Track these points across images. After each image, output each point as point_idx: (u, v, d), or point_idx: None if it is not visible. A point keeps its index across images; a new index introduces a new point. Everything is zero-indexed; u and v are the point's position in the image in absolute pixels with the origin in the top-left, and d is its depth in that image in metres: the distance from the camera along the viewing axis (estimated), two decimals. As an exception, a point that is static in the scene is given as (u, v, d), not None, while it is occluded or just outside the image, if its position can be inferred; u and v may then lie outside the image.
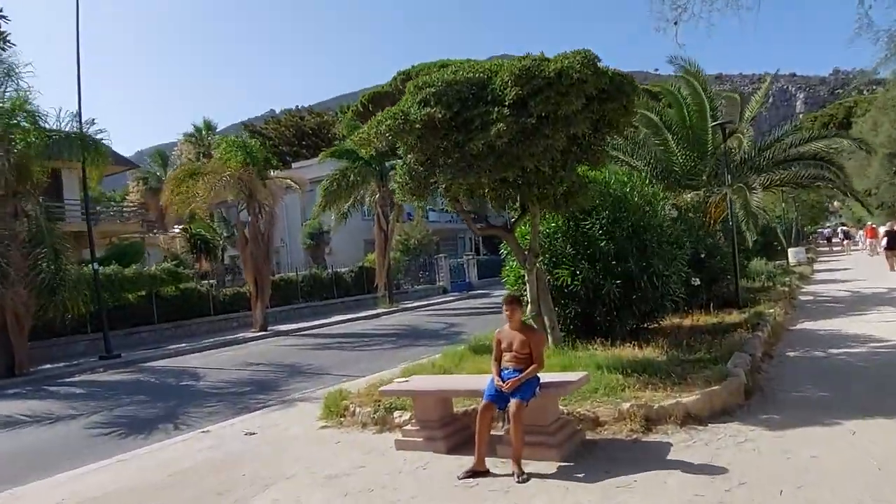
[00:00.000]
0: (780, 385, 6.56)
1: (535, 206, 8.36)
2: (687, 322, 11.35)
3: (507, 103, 6.94)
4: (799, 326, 10.79)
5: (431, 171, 7.46)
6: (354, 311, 26.38)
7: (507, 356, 4.97)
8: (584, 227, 9.40)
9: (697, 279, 12.56)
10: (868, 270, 23.05)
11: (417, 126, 6.88)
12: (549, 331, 8.78)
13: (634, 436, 5.20)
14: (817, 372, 7.09)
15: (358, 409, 7.08)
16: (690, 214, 13.43)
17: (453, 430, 5.63)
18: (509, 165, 6.98)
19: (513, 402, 4.64)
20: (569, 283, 9.14)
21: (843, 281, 19.33)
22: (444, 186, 7.29)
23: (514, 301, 5.01)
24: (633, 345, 8.82)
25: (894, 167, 37.54)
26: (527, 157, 6.94)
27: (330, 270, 29.94)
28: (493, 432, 5.00)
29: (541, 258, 9.53)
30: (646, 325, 10.40)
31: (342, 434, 6.79)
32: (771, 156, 14.14)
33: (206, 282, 24.13)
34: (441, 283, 34.47)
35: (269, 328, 20.86)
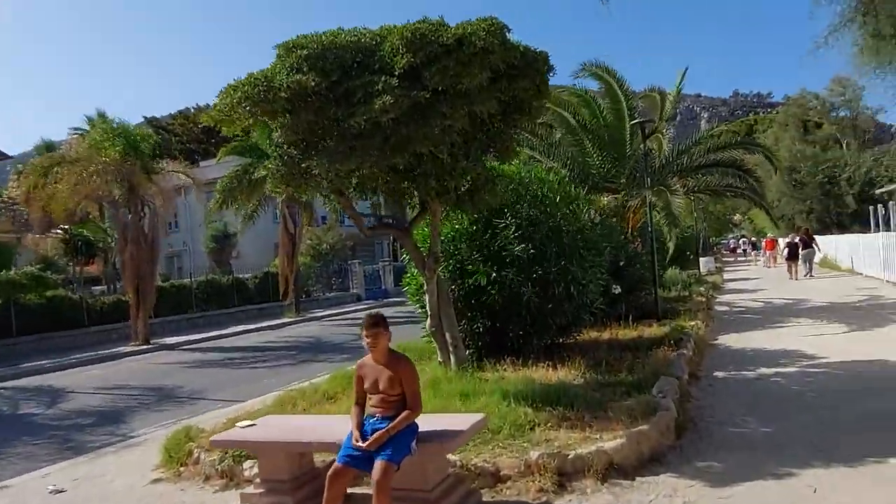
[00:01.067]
0: (713, 416, 5.57)
1: (435, 201, 7.11)
2: (606, 336, 10.47)
3: (396, 73, 5.64)
4: (721, 341, 10.10)
5: (308, 155, 6.02)
6: (257, 320, 24.32)
7: (372, 399, 3.61)
8: (496, 228, 8.24)
9: (618, 288, 11.76)
10: (772, 280, 23.48)
11: (283, 95, 5.44)
12: (451, 349, 7.55)
13: (544, 497, 3.97)
14: (751, 398, 6.19)
15: (203, 456, 5.52)
16: (613, 219, 12.67)
17: (311, 492, 4.21)
18: (399, 149, 5.67)
19: (378, 465, 3.30)
20: (483, 290, 7.96)
21: (753, 291, 19.36)
22: (320, 174, 5.86)
23: (378, 323, 3.64)
24: (548, 364, 7.80)
25: (794, 181, 39.38)
26: (420, 139, 5.65)
27: (231, 276, 27.61)
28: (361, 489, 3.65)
29: (445, 264, 8.32)
30: (562, 341, 9.40)
31: (177, 490, 5.22)
32: (689, 160, 13.63)
33: (99, 288, 21.33)
34: (355, 291, 32.80)
35: (152, 341, 18.57)
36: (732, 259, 49.66)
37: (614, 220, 12.49)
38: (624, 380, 6.74)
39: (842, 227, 37.32)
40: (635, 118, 12.35)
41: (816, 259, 28.69)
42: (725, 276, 28.56)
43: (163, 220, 19.01)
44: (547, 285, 8.21)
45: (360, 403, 3.67)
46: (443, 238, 8.64)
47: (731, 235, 66.69)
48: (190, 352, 16.98)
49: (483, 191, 7.24)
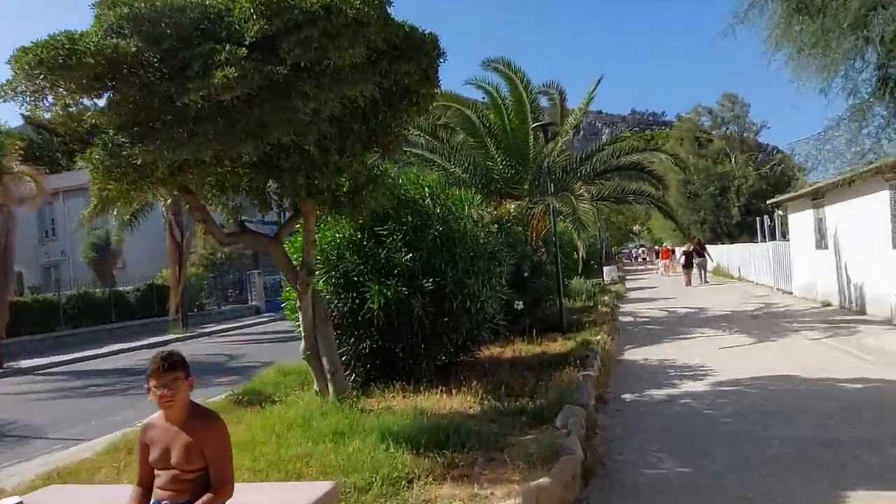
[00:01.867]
0: (623, 453, 4.84)
1: (307, 203, 6.05)
2: (508, 353, 9.77)
3: (247, 42, 4.55)
4: (628, 355, 9.62)
5: (136, 142, 4.77)
6: (138, 337, 21.89)
7: (160, 477, 2.50)
8: (380, 236, 7.28)
9: (521, 303, 11.10)
10: (672, 289, 23.99)
11: (90, 61, 4.20)
12: (329, 377, 6.48)
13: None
14: (664, 427, 5.55)
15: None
16: (518, 228, 12.02)
17: None
18: (251, 136, 4.56)
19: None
20: (369, 307, 6.95)
21: (655, 299, 19.51)
22: (153, 164, 4.65)
23: (175, 366, 2.54)
24: (443, 389, 6.93)
25: (688, 193, 41.15)
26: (278, 125, 4.59)
27: (108, 289, 24.92)
28: None
29: (328, 275, 7.29)
30: (460, 359, 8.56)
31: None
32: (595, 165, 13.31)
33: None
34: (254, 303, 30.69)
35: (5, 365, 16.06)
36: (633, 268, 51.45)
37: (518, 228, 11.86)
38: (525, 407, 5.97)
39: (731, 237, 39.34)
40: (539, 120, 11.82)
41: (710, 267, 29.96)
42: (628, 284, 29.08)
43: (13, 224, 16.49)
44: (441, 299, 7.35)
45: (145, 484, 2.55)
46: (326, 246, 7.60)
47: (631, 245, 69.36)
48: (46, 377, 14.73)
49: (364, 192, 6.26)
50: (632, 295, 22.59)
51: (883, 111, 5.03)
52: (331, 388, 6.51)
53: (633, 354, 9.62)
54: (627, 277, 35.49)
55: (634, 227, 73.18)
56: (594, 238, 32.95)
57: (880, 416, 5.33)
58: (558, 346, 10.11)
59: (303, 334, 6.64)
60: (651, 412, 6.10)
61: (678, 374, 7.79)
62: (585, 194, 10.72)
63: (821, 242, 14.13)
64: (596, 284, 22.92)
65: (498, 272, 8.40)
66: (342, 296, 7.39)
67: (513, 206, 11.90)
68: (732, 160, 42.42)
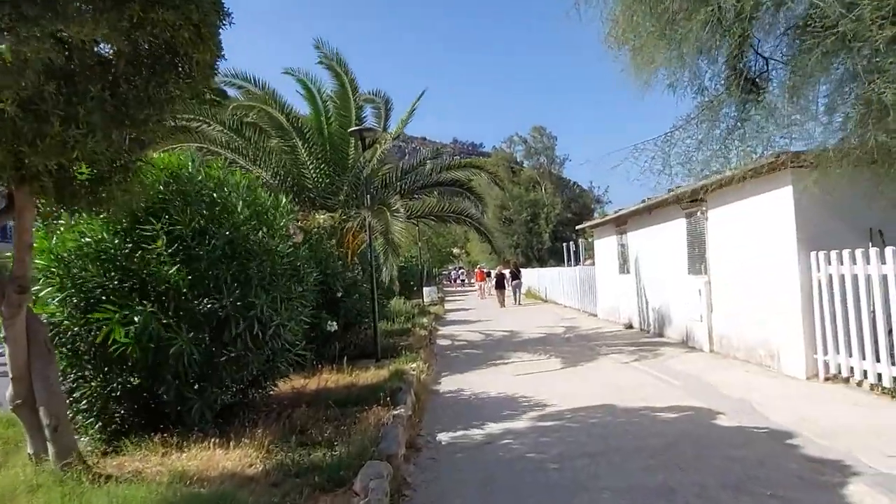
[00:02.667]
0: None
1: (21, 191, 4.30)
2: (313, 385, 8.47)
3: None
4: (445, 385, 8.78)
5: None
6: None
7: None
8: (141, 241, 5.64)
9: (334, 324, 9.84)
10: (488, 311, 24.30)
11: None
12: (48, 433, 4.69)
13: None
14: (485, 479, 4.64)
15: None
16: (330, 242, 10.75)
17: None
18: None
19: None
20: (117, 338, 5.27)
21: (473, 322, 19.35)
22: None
23: None
24: (221, 440, 5.47)
25: (504, 218, 43.05)
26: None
27: None
28: None
29: (66, 293, 5.48)
30: (250, 398, 7.05)
31: None
32: (416, 179, 12.56)
33: None
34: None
35: None
36: (453, 289, 52.54)
37: (330, 242, 10.62)
38: (321, 462, 4.74)
39: (541, 261, 41.81)
40: (363, 124, 10.77)
41: (523, 290, 31.25)
42: (448, 305, 29.08)
43: None
44: (222, 326, 5.85)
45: None
46: (66, 254, 5.74)
47: (451, 266, 71.31)
48: None
49: (116, 181, 4.64)
50: (451, 316, 22.36)
51: (732, 111, 4.81)
52: (51, 450, 4.71)
53: (451, 383, 8.81)
54: (447, 298, 35.76)
55: (454, 250, 75.67)
56: (414, 258, 32.75)
57: (701, 453, 4.97)
58: (371, 375, 9.04)
59: (10, 375, 4.75)
60: (470, 459, 5.19)
61: (497, 405, 7.08)
62: (402, 210, 9.81)
63: (623, 267, 14.84)
64: (416, 305, 22.39)
65: (300, 292, 7.08)
66: (83, 323, 5.58)
67: (324, 218, 10.63)
68: (543, 189, 45.45)
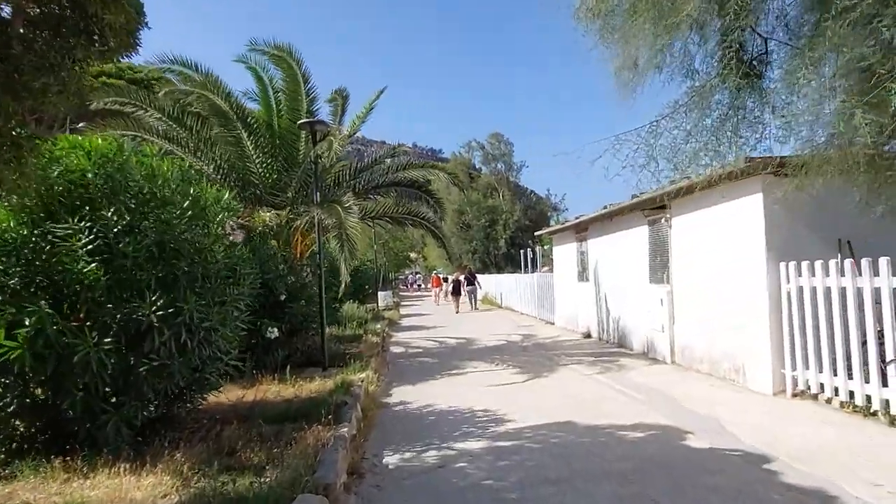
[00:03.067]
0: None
1: None
2: (251, 397, 7.77)
3: None
4: (396, 396, 8.17)
5: None
6: None
7: None
8: (55, 233, 4.90)
9: (274, 331, 9.12)
10: (444, 316, 23.78)
11: None
12: None
13: None
14: (435, 513, 4.07)
15: None
16: (274, 241, 10.02)
17: None
18: None
19: None
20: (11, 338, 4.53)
21: (429, 328, 18.77)
22: None
23: None
24: (135, 464, 4.77)
25: (462, 223, 42.65)
26: None
27: None
28: None
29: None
30: (175, 413, 6.32)
31: None
32: (372, 177, 11.92)
33: None
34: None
35: None
36: (410, 294, 51.86)
37: (273, 242, 9.88)
38: (246, 493, 4.08)
39: (498, 268, 41.56)
40: (314, 116, 10.07)
41: (480, 296, 30.89)
42: (403, 310, 28.43)
43: None
44: (142, 333, 5.13)
45: None
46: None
47: (408, 271, 70.68)
48: None
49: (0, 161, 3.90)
50: (406, 322, 21.72)
51: (726, 98, 4.39)
52: None
53: (403, 395, 8.21)
54: (403, 303, 35.07)
55: (411, 255, 75.07)
56: (370, 262, 31.98)
57: (675, 481, 4.52)
58: (316, 386, 8.37)
59: None
60: (420, 487, 4.61)
61: (453, 422, 6.51)
62: (355, 207, 9.17)
63: (583, 275, 14.53)
64: (370, 310, 21.69)
65: (236, 295, 6.37)
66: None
67: (269, 216, 9.89)
68: (500, 195, 45.28)
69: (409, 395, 8.16)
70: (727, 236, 7.97)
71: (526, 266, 32.69)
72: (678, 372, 9.02)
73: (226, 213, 6.03)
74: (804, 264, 6.72)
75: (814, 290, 6.61)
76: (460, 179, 13.58)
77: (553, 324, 17.30)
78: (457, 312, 25.57)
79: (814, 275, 6.60)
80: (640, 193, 10.27)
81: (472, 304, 28.43)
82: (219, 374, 6.19)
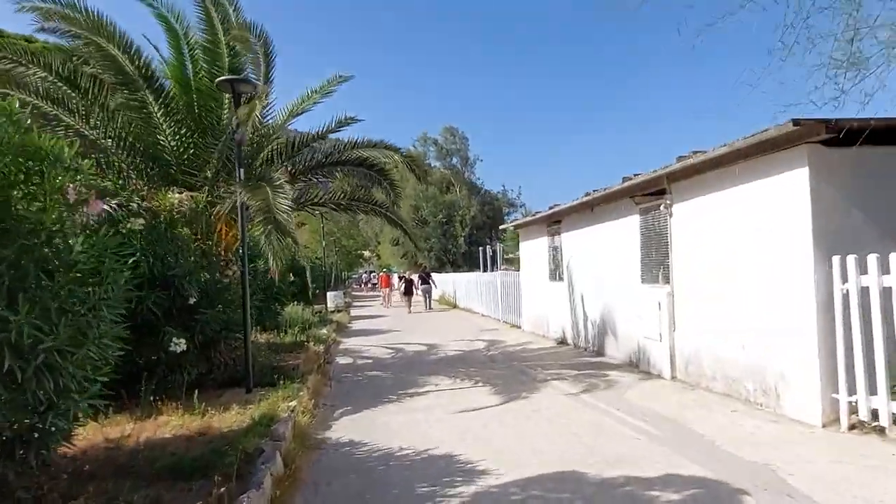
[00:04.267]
0: None
1: None
2: (142, 432, 5.91)
3: None
4: (337, 432, 6.31)
5: None
6: None
7: None
8: None
9: (181, 342, 7.15)
10: (398, 319, 21.96)
11: None
12: None
13: None
14: None
15: None
16: (185, 230, 7.97)
17: None
18: None
19: None
20: None
21: (381, 332, 16.89)
22: None
23: None
24: None
25: (418, 219, 40.81)
26: None
27: None
28: None
29: None
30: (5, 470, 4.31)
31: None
32: (312, 156, 9.97)
33: None
34: None
35: None
36: (363, 293, 49.66)
37: (188, 230, 7.86)
38: None
39: (456, 266, 39.91)
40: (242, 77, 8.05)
41: (436, 295, 29.20)
42: (354, 311, 26.43)
43: None
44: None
45: None
46: None
47: (362, 270, 68.42)
48: None
49: None
50: (357, 325, 19.77)
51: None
52: None
53: (345, 429, 6.36)
54: (355, 304, 32.99)
55: (365, 253, 72.75)
56: (318, 259, 29.78)
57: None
58: (232, 417, 6.51)
59: None
60: None
61: (412, 476, 4.71)
62: (288, 187, 7.23)
63: (555, 273, 12.94)
64: (317, 312, 19.65)
65: (105, 300, 4.40)
66: None
67: (179, 198, 7.85)
68: (458, 191, 43.62)
69: (355, 429, 6.32)
70: (755, 224, 6.42)
71: (485, 265, 31.14)
72: (684, 391, 7.45)
73: (69, 176, 4.04)
74: (872, 258, 5.20)
75: (886, 292, 5.10)
76: (418, 164, 11.70)
77: (519, 327, 15.67)
78: (409, 313, 24.54)
79: (888, 272, 5.08)
80: (630, 177, 8.69)
81: (426, 303, 27.27)
82: (65, 420, 4.23)
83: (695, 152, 6.98)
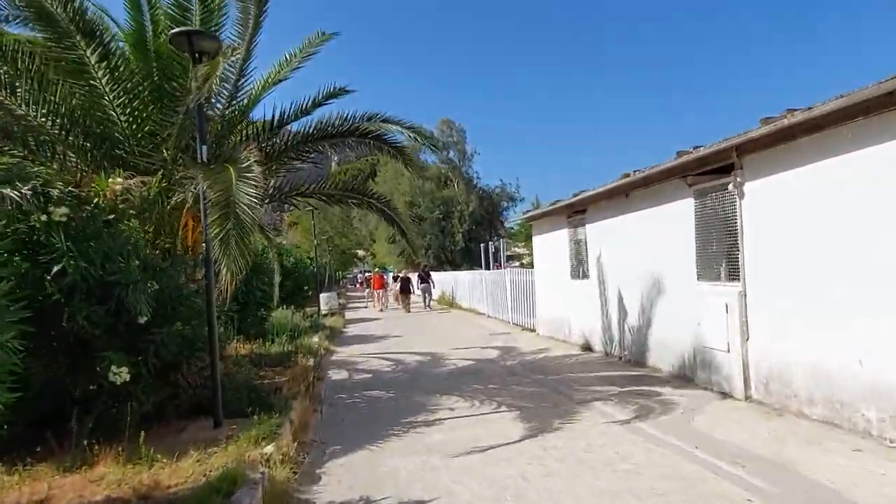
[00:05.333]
0: None
1: None
2: (62, 493, 4.34)
3: None
4: (325, 489, 4.72)
5: None
6: None
7: None
8: None
9: (123, 370, 5.58)
10: (397, 321, 20.37)
11: None
12: None
13: None
14: None
15: None
16: (133, 222, 6.34)
17: None
18: None
19: None
20: None
21: (379, 338, 15.29)
22: None
23: None
24: None
25: (414, 215, 39.15)
26: None
27: None
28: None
29: None
30: None
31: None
32: (305, 130, 8.29)
33: None
34: None
35: None
36: (359, 294, 47.91)
37: (136, 223, 6.25)
38: None
39: (454, 264, 38.27)
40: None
41: (435, 295, 27.63)
42: (349, 314, 24.81)
43: None
44: None
45: None
46: None
47: (356, 270, 66.80)
48: None
49: None
50: (352, 329, 18.15)
51: None
52: None
53: (339, 485, 4.77)
54: (350, 305, 31.36)
55: (359, 252, 70.99)
56: (310, 260, 28.12)
57: None
58: (189, 467, 4.98)
59: None
60: None
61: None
62: (258, 169, 5.58)
63: (579, 270, 11.37)
64: (309, 317, 18.03)
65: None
66: None
67: (126, 184, 6.21)
68: (455, 185, 41.96)
69: (350, 482, 4.74)
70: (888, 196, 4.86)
71: (487, 262, 29.56)
72: (768, 417, 5.89)
73: None
74: None
75: None
76: (427, 136, 9.98)
77: (533, 331, 14.10)
78: (407, 312, 23.41)
79: None
80: (691, 150, 7.12)
81: (425, 303, 25.87)
82: None
83: (790, 111, 5.41)
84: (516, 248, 45.88)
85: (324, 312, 22.73)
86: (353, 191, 9.69)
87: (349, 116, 8.33)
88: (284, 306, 16.08)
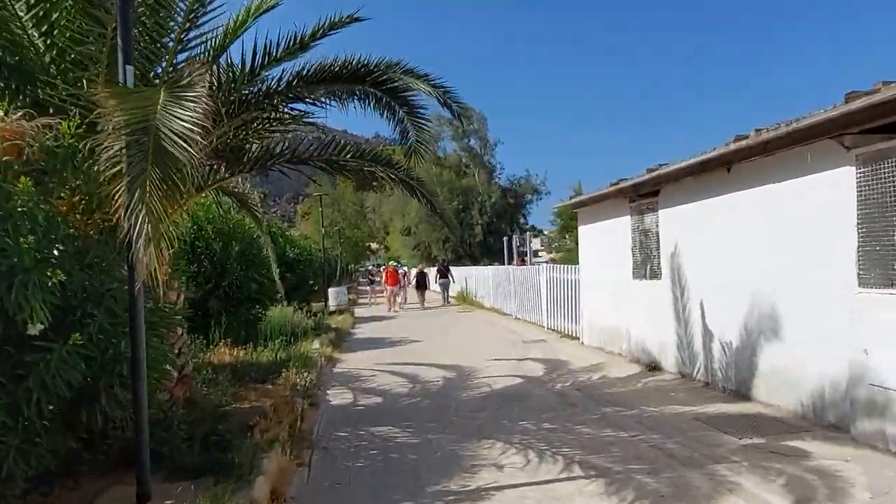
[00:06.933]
0: None
1: None
2: None
3: None
4: None
5: None
6: None
7: None
8: None
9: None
10: (413, 320, 18.26)
11: None
12: None
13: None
14: None
15: None
16: (25, 183, 4.21)
17: None
18: None
19: None
20: None
21: (393, 342, 13.14)
22: None
23: None
24: None
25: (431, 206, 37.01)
26: None
27: None
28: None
29: None
30: None
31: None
32: (293, 71, 6.10)
33: None
34: None
35: None
36: (369, 289, 45.86)
37: (27, 183, 4.11)
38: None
39: (473, 259, 36.08)
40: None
41: (453, 291, 25.60)
42: (359, 310, 22.72)
43: None
44: None
45: None
46: None
47: (368, 263, 64.94)
48: None
49: None
50: (361, 331, 16.01)
51: None
52: None
53: None
54: (361, 300, 29.31)
55: (372, 244, 69.05)
56: (317, 250, 26.08)
57: None
58: None
59: None
60: None
61: None
62: (206, 98, 3.43)
63: (645, 268, 9.09)
64: (314, 314, 15.90)
65: None
66: None
67: (12, 128, 4.07)
68: (476, 175, 39.68)
69: None
70: None
71: (510, 257, 27.34)
72: None
73: None
74: None
75: None
76: (451, 93, 7.68)
77: (577, 339, 11.84)
78: (423, 308, 22.20)
79: None
80: (853, 93, 4.82)
81: (444, 298, 24.48)
82: None
83: None
84: (533, 245, 43.54)
85: (332, 309, 20.67)
86: (372, 159, 7.51)
87: (358, 61, 6.13)
88: (286, 303, 13.98)
